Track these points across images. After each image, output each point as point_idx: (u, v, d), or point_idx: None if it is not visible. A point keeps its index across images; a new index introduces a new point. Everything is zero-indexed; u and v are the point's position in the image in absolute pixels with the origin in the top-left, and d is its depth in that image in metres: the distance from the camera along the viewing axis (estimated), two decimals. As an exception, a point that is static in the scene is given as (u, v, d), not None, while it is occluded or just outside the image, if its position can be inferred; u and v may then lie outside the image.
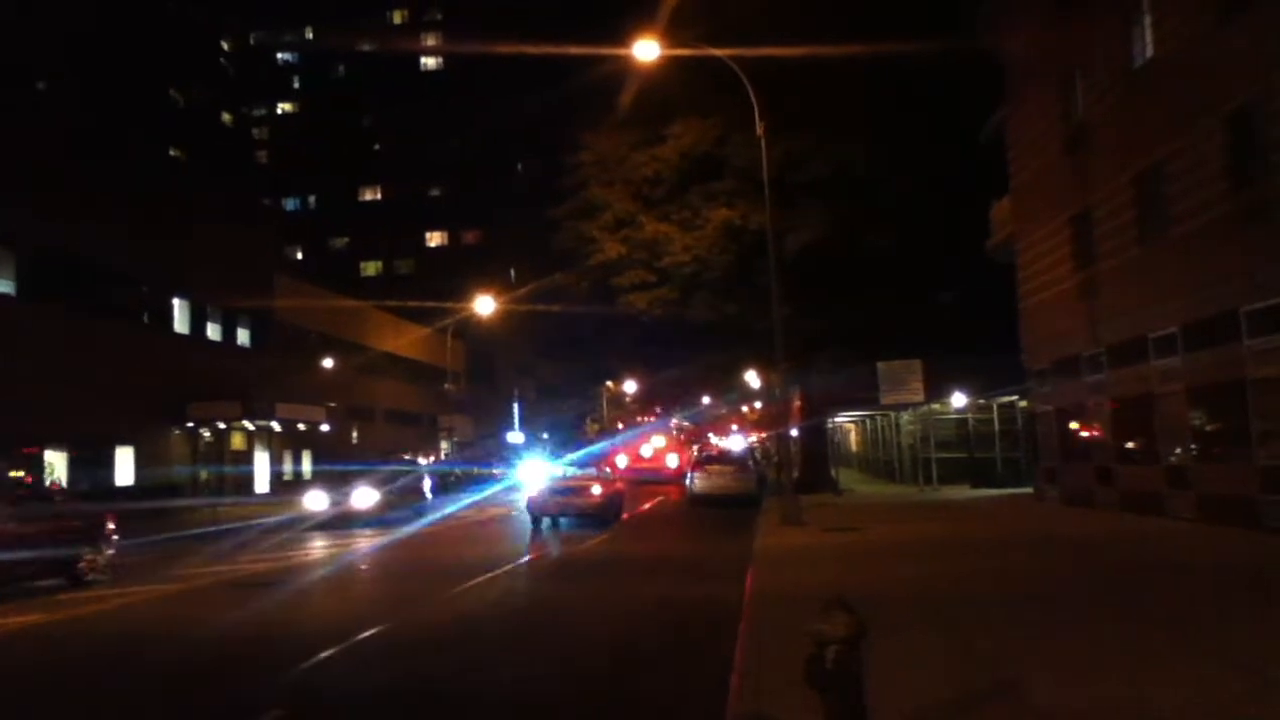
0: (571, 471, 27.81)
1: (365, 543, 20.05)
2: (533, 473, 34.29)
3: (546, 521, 23.50)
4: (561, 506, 23.47)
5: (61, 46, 52.59)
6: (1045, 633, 8.33)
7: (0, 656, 9.60)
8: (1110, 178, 19.57)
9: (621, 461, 42.96)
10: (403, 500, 25.71)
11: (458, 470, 44.17)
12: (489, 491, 36.44)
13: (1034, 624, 8.74)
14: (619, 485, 26.69)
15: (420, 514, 25.94)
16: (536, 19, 67.01)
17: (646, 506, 29.70)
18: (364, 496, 23.88)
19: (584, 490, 23.69)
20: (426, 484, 28.55)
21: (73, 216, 29.78)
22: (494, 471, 44.93)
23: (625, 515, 25.48)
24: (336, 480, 25.38)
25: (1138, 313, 18.51)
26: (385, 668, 8.47)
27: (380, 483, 24.86)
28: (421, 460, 38.72)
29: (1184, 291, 16.74)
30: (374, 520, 23.43)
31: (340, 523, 22.99)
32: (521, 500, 27.73)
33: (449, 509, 28.19)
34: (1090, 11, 20.34)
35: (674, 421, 77.53)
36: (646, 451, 50.33)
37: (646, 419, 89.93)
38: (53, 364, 28.37)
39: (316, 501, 24.08)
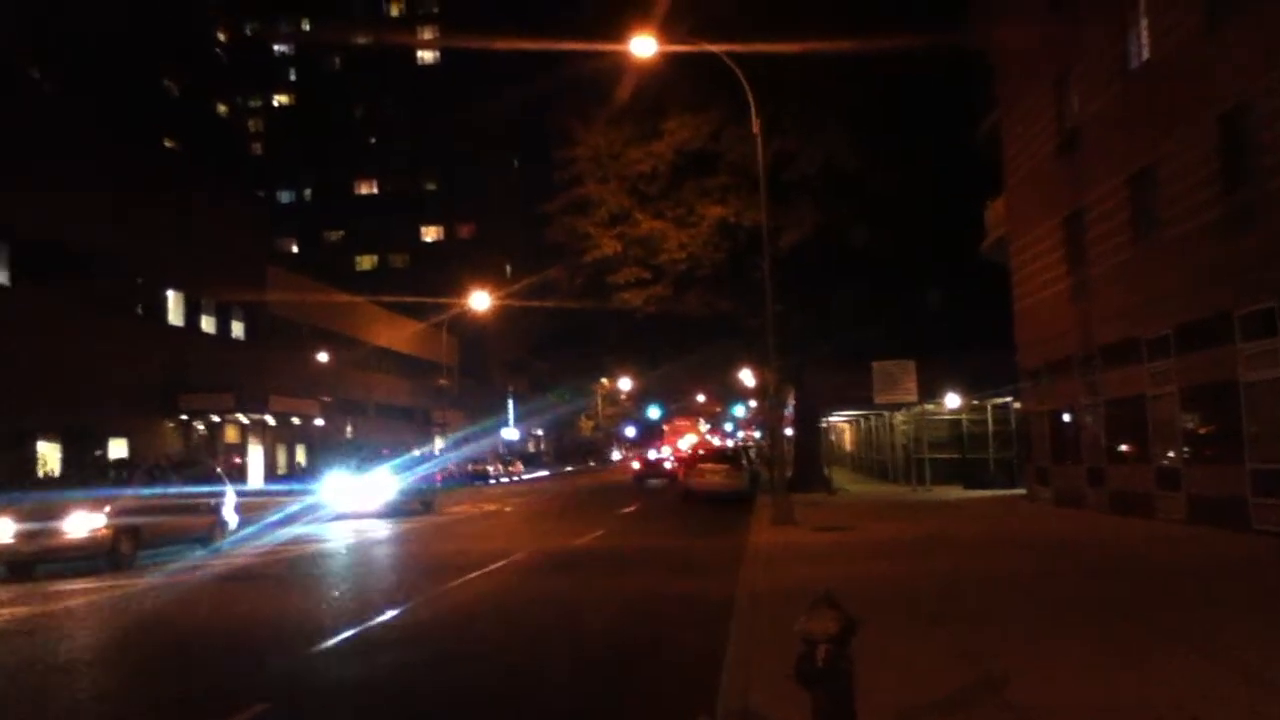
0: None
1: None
2: (339, 490, 27.00)
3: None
4: (651, 475, 46.91)
5: (55, 35, 52.38)
6: (1032, 631, 8.34)
7: None
8: (1104, 179, 19.60)
9: (665, 451, 63.62)
10: (174, 528, 17.38)
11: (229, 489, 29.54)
12: (284, 514, 26.02)
13: (1022, 623, 8.76)
14: (676, 466, 47.35)
15: (205, 544, 18.07)
16: (533, 12, 66.98)
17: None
18: (80, 522, 15.24)
19: (661, 465, 49.46)
20: (229, 504, 19.24)
21: (66, 207, 29.68)
22: (288, 494, 31.06)
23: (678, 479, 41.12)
24: (47, 504, 15.85)
25: (1131, 314, 18.55)
26: None
27: (104, 504, 15.56)
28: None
29: (1177, 294, 16.77)
30: (107, 558, 15.37)
31: (39, 561, 15.22)
32: (333, 531, 22.77)
33: (225, 543, 18.71)
34: (1086, 12, 20.37)
35: (703, 424, 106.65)
36: (684, 445, 75.25)
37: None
38: (45, 356, 28.29)
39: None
